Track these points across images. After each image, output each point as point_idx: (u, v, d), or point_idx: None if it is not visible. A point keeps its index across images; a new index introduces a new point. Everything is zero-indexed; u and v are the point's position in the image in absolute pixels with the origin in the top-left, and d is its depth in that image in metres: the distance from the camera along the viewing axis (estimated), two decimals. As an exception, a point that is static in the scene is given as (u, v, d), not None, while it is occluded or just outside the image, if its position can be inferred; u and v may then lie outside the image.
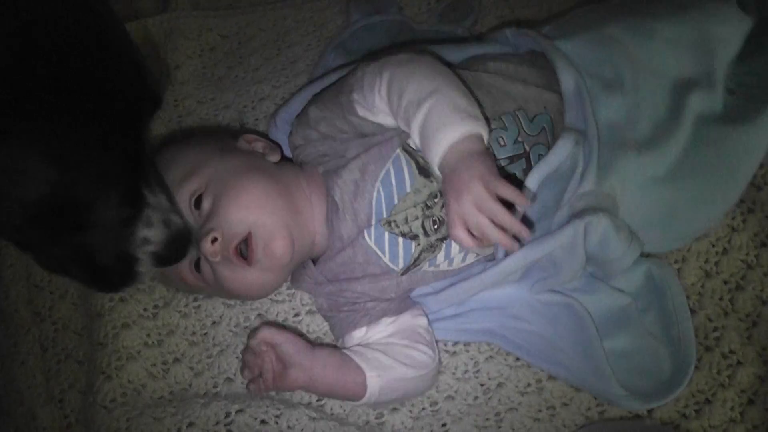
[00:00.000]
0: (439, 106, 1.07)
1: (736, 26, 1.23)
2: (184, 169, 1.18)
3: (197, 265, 1.18)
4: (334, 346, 1.21)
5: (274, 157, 1.26)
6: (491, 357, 1.22)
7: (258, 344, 1.15)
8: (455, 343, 1.24)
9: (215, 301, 1.28)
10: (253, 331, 1.16)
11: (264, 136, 1.34)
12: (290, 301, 1.28)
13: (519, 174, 1.16)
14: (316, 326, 1.26)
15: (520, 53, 1.30)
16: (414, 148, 1.16)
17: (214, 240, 1.12)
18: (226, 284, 1.16)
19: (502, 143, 1.16)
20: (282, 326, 1.22)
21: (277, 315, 1.27)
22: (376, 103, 1.14)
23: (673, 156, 1.16)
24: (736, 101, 1.20)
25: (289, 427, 1.17)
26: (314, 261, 1.23)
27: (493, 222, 1.01)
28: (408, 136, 1.14)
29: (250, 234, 1.13)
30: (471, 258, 1.20)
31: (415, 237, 1.16)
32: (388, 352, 1.16)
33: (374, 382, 1.13)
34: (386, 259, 1.17)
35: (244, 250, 1.14)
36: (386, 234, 1.16)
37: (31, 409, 1.21)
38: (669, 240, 1.25)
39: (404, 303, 1.22)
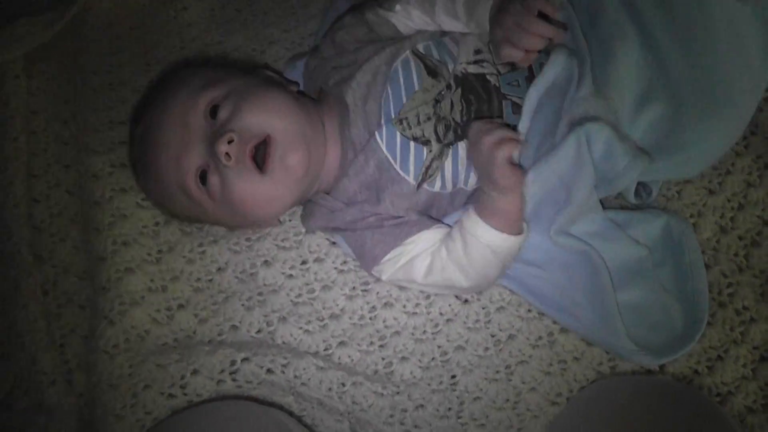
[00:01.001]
0: None
1: None
2: (203, 80, 1.18)
3: (203, 178, 1.15)
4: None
5: (292, 87, 1.27)
6: (502, 308, 1.21)
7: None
8: (467, 293, 1.22)
9: (221, 246, 1.26)
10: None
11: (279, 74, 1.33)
12: (297, 248, 1.26)
13: (522, 81, 1.17)
14: (324, 274, 1.24)
15: None
16: (423, 52, 1.19)
17: (230, 141, 1.11)
18: (234, 194, 1.14)
19: None
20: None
21: (284, 262, 1.25)
22: None
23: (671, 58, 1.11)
24: None
25: (296, 376, 1.15)
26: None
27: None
28: (417, 41, 1.20)
29: (268, 137, 1.13)
30: (474, 178, 1.19)
31: (427, 142, 1.16)
32: None
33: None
34: (397, 165, 1.17)
35: (258, 160, 1.13)
36: (398, 136, 1.16)
37: (31, 354, 1.18)
38: (678, 165, 1.18)
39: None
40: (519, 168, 1.11)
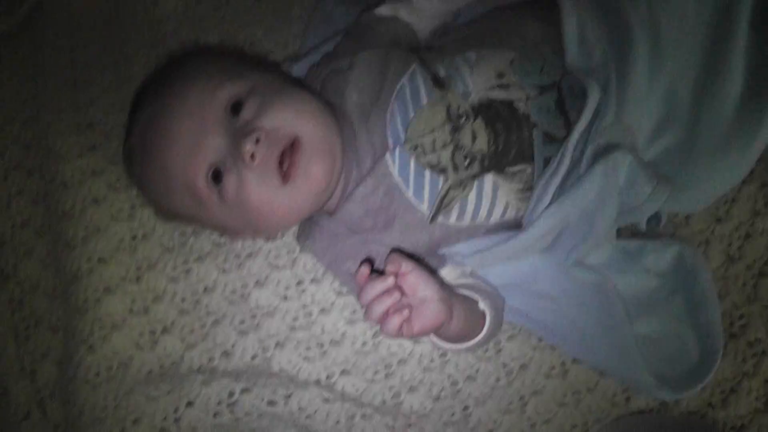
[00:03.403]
0: None
1: None
2: (223, 72, 1.09)
3: (215, 177, 1.06)
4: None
5: None
6: (513, 336, 1.15)
7: (392, 273, 0.97)
8: (475, 321, 1.15)
9: (208, 264, 1.16)
10: (397, 263, 0.98)
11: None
12: (292, 267, 1.17)
13: (552, 105, 1.11)
14: (322, 296, 1.16)
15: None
16: (431, 58, 1.14)
17: (257, 141, 1.02)
18: (252, 200, 1.05)
19: (527, 70, 1.12)
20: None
21: (278, 283, 1.16)
22: None
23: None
24: None
25: (300, 408, 1.07)
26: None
27: None
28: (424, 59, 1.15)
29: (296, 141, 1.04)
30: (498, 212, 1.12)
31: (443, 170, 1.09)
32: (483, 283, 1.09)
33: (489, 310, 1.05)
34: (410, 192, 1.09)
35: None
36: (411, 163, 1.08)
37: (2, 384, 1.06)
38: (689, 197, 1.14)
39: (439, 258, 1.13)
40: (431, 306, 0.98)
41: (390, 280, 0.94)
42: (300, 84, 1.17)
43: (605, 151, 1.04)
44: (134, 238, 1.17)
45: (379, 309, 0.94)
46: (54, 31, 1.34)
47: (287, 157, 1.04)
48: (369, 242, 1.11)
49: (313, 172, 1.05)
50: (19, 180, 1.22)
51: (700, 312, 1.13)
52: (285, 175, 1.04)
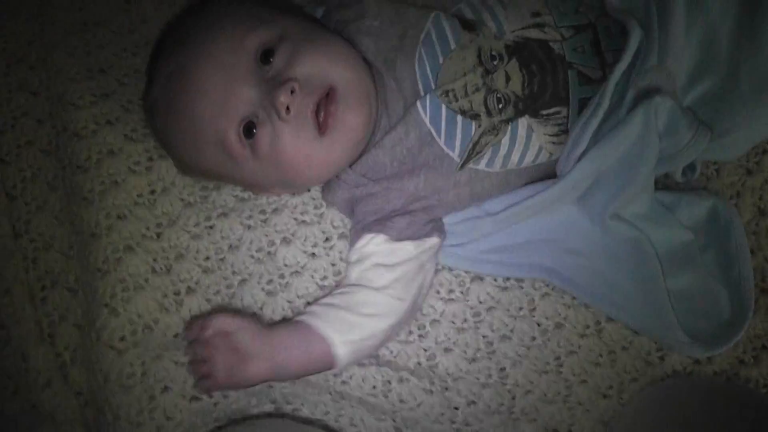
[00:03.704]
0: None
1: None
2: (250, 17, 1.03)
3: (247, 130, 1.00)
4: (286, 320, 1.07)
5: None
6: (547, 294, 1.12)
7: (210, 335, 0.99)
8: (507, 279, 1.13)
9: (232, 220, 1.12)
10: (198, 320, 1.02)
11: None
12: (319, 223, 1.13)
13: (587, 46, 1.07)
14: (351, 253, 1.12)
15: None
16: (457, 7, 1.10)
17: (292, 91, 0.97)
18: (288, 153, 1.01)
19: (563, 10, 1.08)
20: (234, 311, 1.07)
21: (305, 239, 1.12)
22: None
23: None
24: None
25: (335, 375, 1.06)
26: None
27: None
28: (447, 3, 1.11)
29: (332, 90, 0.99)
30: (530, 157, 1.09)
31: (476, 116, 1.05)
32: (353, 304, 1.03)
33: (342, 350, 1.01)
34: (441, 141, 1.05)
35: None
36: (443, 108, 1.04)
37: (20, 349, 1.01)
38: (724, 145, 1.11)
39: (433, 228, 1.10)
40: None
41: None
42: (327, 29, 1.11)
43: (646, 94, 1.00)
44: (153, 192, 1.12)
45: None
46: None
47: (323, 106, 1.00)
48: (390, 189, 1.08)
49: (351, 121, 1.01)
50: (27, 129, 1.15)
51: (732, 267, 1.12)
52: (322, 126, 0.99)
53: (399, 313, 1.05)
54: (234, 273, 1.10)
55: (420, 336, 1.10)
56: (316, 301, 1.07)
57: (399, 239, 1.06)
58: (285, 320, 1.07)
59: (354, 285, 1.05)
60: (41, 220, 1.11)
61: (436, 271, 1.12)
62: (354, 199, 1.10)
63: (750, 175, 1.19)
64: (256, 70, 1.00)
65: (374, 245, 1.07)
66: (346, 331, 1.02)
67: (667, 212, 1.13)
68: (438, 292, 1.12)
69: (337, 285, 1.09)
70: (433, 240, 1.08)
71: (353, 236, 1.10)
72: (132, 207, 1.10)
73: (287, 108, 0.97)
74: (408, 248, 1.06)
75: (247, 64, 1.00)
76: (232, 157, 1.02)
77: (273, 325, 1.05)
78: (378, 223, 1.08)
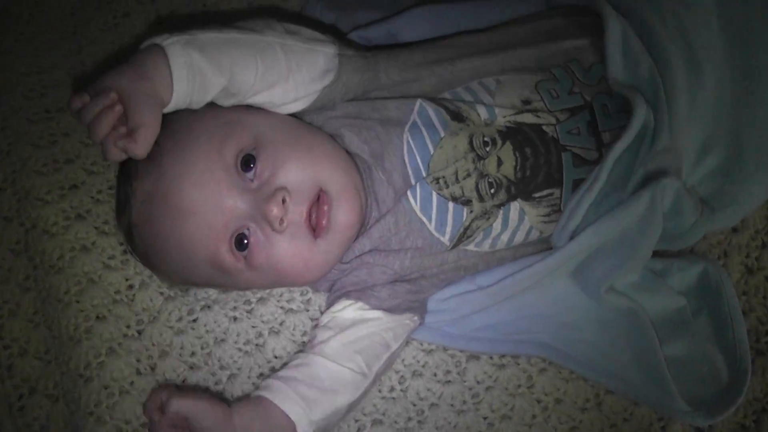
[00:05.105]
0: None
1: None
2: (222, 127, 0.97)
3: (239, 243, 0.96)
4: (248, 397, 0.99)
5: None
6: (544, 369, 1.10)
7: (169, 420, 0.92)
8: (502, 356, 1.10)
9: (216, 312, 1.07)
10: (155, 396, 0.93)
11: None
12: (307, 310, 1.10)
13: (583, 127, 1.05)
14: (342, 338, 1.08)
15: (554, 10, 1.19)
16: (441, 97, 1.05)
17: (283, 201, 0.93)
18: (285, 261, 0.97)
19: (555, 95, 1.06)
20: (193, 391, 1.02)
21: (294, 329, 1.08)
22: None
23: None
24: None
25: None
26: None
27: None
28: (429, 89, 1.07)
29: (321, 193, 0.96)
30: (520, 237, 1.06)
31: (468, 202, 1.02)
32: (315, 379, 0.98)
33: (306, 427, 0.97)
34: (431, 227, 1.03)
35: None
36: (434, 196, 1.02)
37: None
38: (723, 217, 1.11)
39: (416, 307, 1.07)
40: None
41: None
42: (301, 121, 1.06)
43: (653, 175, 0.99)
44: (131, 287, 1.08)
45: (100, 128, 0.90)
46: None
47: (314, 209, 0.96)
48: (373, 266, 1.05)
49: (344, 220, 0.97)
50: (-7, 227, 1.09)
51: (726, 330, 1.11)
52: (316, 230, 0.96)
53: (361, 388, 1.01)
54: (222, 368, 1.06)
55: (419, 422, 1.06)
56: (275, 373, 1.01)
57: (376, 308, 1.03)
58: (245, 396, 1.01)
59: (316, 355, 1.00)
60: (15, 324, 1.06)
61: (431, 352, 1.09)
62: (334, 278, 1.07)
63: (736, 233, 1.19)
64: (238, 181, 0.95)
65: (350, 312, 1.03)
66: (308, 409, 0.96)
67: (659, 279, 1.12)
68: (435, 375, 1.09)
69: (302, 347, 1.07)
70: (412, 318, 1.05)
71: (330, 300, 1.07)
72: (111, 306, 1.05)
73: (281, 220, 0.94)
74: (381, 318, 1.03)
75: (228, 177, 0.95)
76: (227, 271, 0.98)
77: (233, 403, 0.98)
78: (358, 291, 1.05)
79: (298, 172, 0.95)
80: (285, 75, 0.99)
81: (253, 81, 0.97)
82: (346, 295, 1.04)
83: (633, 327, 1.07)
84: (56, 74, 1.19)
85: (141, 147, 0.88)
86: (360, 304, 1.03)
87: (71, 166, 1.12)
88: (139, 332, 1.05)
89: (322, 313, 1.08)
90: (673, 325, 1.10)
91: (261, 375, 1.05)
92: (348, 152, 1.03)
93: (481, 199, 1.02)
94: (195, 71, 0.92)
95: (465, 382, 1.09)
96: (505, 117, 1.04)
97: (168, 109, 0.92)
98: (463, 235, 1.04)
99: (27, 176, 1.10)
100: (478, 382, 1.09)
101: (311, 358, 1.00)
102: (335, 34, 1.10)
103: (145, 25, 1.24)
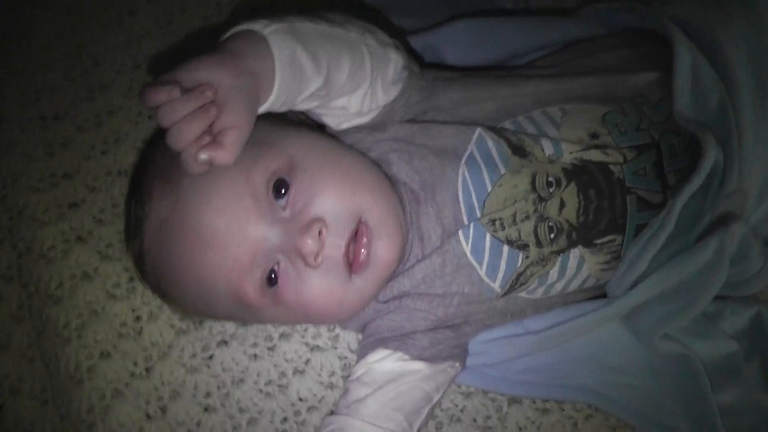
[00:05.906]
0: None
1: None
2: (251, 146, 0.80)
3: (270, 279, 0.85)
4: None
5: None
6: (590, 416, 1.01)
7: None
8: (545, 400, 1.02)
9: (234, 349, 0.97)
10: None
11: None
12: (335, 347, 1.00)
13: (649, 168, 0.96)
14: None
15: (614, 33, 1.12)
16: (501, 126, 0.95)
17: (319, 233, 0.82)
18: (318, 300, 0.86)
19: (623, 130, 0.96)
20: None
21: (321, 368, 0.98)
22: None
23: None
24: None
25: None
26: None
27: None
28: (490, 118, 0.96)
29: (362, 225, 0.86)
30: (576, 285, 0.98)
31: (524, 246, 0.92)
32: None
33: None
34: (482, 272, 0.93)
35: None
36: (488, 238, 0.92)
37: None
38: None
39: (458, 352, 0.98)
40: None
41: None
42: (340, 142, 0.96)
43: (721, 220, 0.91)
44: (138, 319, 0.97)
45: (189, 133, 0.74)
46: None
47: (351, 243, 0.86)
48: (414, 311, 0.95)
49: (384, 256, 0.87)
50: (-17, 251, 0.98)
51: (777, 377, 1.05)
52: (354, 266, 0.86)
53: None
54: (241, 411, 0.96)
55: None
56: None
57: (417, 358, 0.94)
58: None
59: (353, 418, 0.90)
60: (6, 359, 0.95)
61: (469, 395, 1.00)
62: (368, 318, 0.97)
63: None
64: (268, 209, 0.84)
65: (389, 364, 0.93)
66: None
67: (711, 323, 1.04)
68: (474, 420, 0.99)
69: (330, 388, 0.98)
70: (453, 365, 0.96)
71: (364, 348, 0.96)
72: (116, 341, 0.95)
73: (316, 255, 0.83)
74: (422, 370, 0.93)
75: (257, 204, 0.84)
76: (249, 307, 0.87)
77: None
78: (396, 339, 0.95)
79: (337, 200, 0.85)
80: (368, 79, 0.89)
81: (344, 82, 0.86)
82: (383, 343, 0.94)
83: (685, 374, 0.99)
84: (51, 76, 1.08)
85: (230, 153, 0.74)
86: (399, 354, 0.93)
87: (70, 182, 1.03)
88: (148, 370, 0.95)
89: (352, 351, 0.98)
90: (724, 372, 1.02)
91: (284, 419, 0.95)
92: (390, 181, 0.94)
93: (539, 244, 0.93)
94: (296, 68, 0.80)
95: (506, 428, 1.00)
96: (571, 153, 0.94)
97: (261, 111, 0.79)
98: (516, 282, 0.94)
99: (20, 193, 1.01)
100: (520, 429, 1.00)
101: (346, 421, 0.89)
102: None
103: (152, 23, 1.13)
